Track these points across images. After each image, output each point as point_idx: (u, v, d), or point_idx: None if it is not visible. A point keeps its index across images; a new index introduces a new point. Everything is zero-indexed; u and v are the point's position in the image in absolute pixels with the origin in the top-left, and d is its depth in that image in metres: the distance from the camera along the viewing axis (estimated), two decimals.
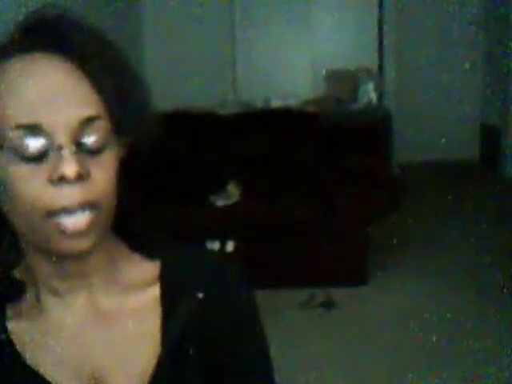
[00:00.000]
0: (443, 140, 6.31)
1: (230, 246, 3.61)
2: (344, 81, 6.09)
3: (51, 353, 0.81)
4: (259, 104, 5.75)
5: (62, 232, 0.72)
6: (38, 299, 0.82)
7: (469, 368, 2.78)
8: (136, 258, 0.86)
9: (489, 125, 6.37)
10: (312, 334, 3.14)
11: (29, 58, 0.74)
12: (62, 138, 0.71)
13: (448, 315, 3.25)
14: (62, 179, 0.70)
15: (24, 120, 0.71)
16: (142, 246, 0.86)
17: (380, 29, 6.29)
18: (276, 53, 6.26)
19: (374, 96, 6.00)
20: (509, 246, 4.03)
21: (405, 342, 3.05)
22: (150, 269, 0.85)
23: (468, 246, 4.18)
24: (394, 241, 4.22)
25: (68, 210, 0.71)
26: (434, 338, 3.04)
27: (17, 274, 0.83)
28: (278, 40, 6.24)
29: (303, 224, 3.64)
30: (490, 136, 6.33)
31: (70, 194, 0.71)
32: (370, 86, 5.98)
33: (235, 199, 3.86)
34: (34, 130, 0.71)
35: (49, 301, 0.81)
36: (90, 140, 0.73)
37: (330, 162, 3.87)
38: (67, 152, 0.71)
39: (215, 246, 3.56)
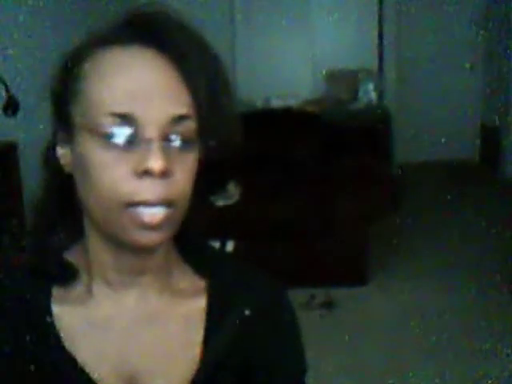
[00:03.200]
0: (443, 140, 6.31)
1: (229, 246, 3.61)
2: (344, 81, 6.09)
3: (93, 343, 0.81)
4: (259, 104, 5.75)
5: (139, 224, 0.72)
6: (89, 288, 0.82)
7: (469, 368, 2.78)
8: (186, 268, 0.87)
9: (489, 125, 6.37)
10: (312, 333, 3.13)
11: (129, 50, 0.75)
12: (153, 131, 0.72)
13: (448, 315, 3.25)
14: (147, 172, 0.71)
15: (119, 109, 0.72)
16: (193, 257, 0.87)
17: (380, 29, 6.28)
18: (276, 53, 6.25)
19: (374, 96, 5.99)
20: (509, 246, 4.02)
21: (405, 341, 3.05)
22: (199, 280, 0.86)
23: (468, 246, 4.18)
24: (394, 241, 4.22)
25: (147, 204, 0.72)
26: (434, 338, 3.04)
27: (69, 257, 0.83)
28: (277, 40, 6.23)
29: (303, 224, 3.64)
30: (490, 136, 6.33)
31: (152, 189, 0.72)
32: (370, 86, 5.98)
33: (235, 199, 3.86)
34: (127, 119, 0.72)
35: (100, 291, 0.82)
36: (177, 138, 0.74)
37: (330, 161, 3.87)
38: (156, 146, 0.71)
39: (215, 246, 3.56)
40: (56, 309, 0.82)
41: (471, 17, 6.38)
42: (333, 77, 6.14)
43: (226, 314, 0.84)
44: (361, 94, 5.97)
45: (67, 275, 0.82)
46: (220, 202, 3.83)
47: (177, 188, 0.74)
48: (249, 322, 0.84)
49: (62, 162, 0.79)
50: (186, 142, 0.74)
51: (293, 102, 5.55)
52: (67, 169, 0.79)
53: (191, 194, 0.78)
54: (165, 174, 0.71)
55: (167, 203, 0.73)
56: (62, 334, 0.81)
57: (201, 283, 0.86)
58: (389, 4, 6.23)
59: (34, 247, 0.85)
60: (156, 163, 0.70)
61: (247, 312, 0.84)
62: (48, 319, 0.81)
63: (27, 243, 0.86)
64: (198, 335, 0.83)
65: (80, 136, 0.75)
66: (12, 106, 2.88)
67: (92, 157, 0.73)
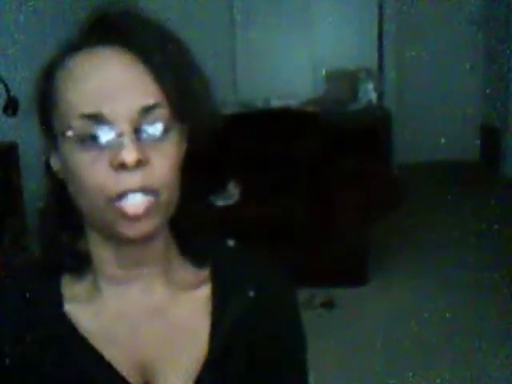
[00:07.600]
0: (443, 140, 6.30)
1: None
2: (344, 81, 6.08)
3: (103, 339, 0.83)
4: (259, 104, 5.74)
5: (123, 216, 0.75)
6: (95, 285, 0.85)
7: (469, 368, 2.78)
8: (187, 262, 0.89)
9: (489, 125, 6.37)
10: (312, 333, 3.14)
11: (94, 53, 0.78)
12: (123, 126, 0.74)
13: (448, 315, 3.25)
14: (123, 165, 0.73)
15: (87, 109, 0.75)
16: (192, 251, 0.90)
17: (380, 29, 6.29)
18: (276, 53, 6.25)
19: (373, 96, 5.99)
20: (509, 246, 4.02)
21: (405, 341, 3.05)
22: (200, 271, 0.89)
23: (468, 245, 4.17)
24: (394, 241, 4.22)
25: (128, 193, 0.75)
26: (434, 338, 3.04)
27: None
28: (278, 40, 6.23)
29: (303, 224, 3.64)
30: (490, 136, 6.32)
31: (130, 180, 0.74)
32: (370, 86, 5.97)
33: (235, 199, 3.86)
34: (96, 118, 0.74)
35: (106, 287, 0.84)
36: (150, 127, 0.76)
37: (330, 162, 3.86)
38: (127, 139, 0.74)
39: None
40: (66, 307, 0.84)
41: (471, 17, 6.38)
42: (333, 77, 6.14)
43: (231, 298, 0.87)
44: (361, 94, 5.97)
45: (79, 263, 0.85)
46: (220, 202, 3.83)
47: (156, 175, 0.76)
48: (254, 304, 0.87)
49: (55, 169, 0.83)
50: (160, 130, 0.77)
51: (292, 102, 5.54)
52: (60, 176, 0.83)
53: (178, 182, 0.81)
54: (140, 164, 0.74)
55: (148, 191, 0.75)
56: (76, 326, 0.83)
57: (203, 273, 0.89)
58: (389, 4, 6.23)
59: (45, 244, 0.88)
60: (129, 156, 0.73)
61: (251, 293, 0.87)
62: (60, 311, 0.84)
63: (40, 242, 0.88)
64: (206, 321, 0.86)
65: (61, 142, 0.78)
66: (12, 106, 2.88)
67: (73, 159, 0.76)
